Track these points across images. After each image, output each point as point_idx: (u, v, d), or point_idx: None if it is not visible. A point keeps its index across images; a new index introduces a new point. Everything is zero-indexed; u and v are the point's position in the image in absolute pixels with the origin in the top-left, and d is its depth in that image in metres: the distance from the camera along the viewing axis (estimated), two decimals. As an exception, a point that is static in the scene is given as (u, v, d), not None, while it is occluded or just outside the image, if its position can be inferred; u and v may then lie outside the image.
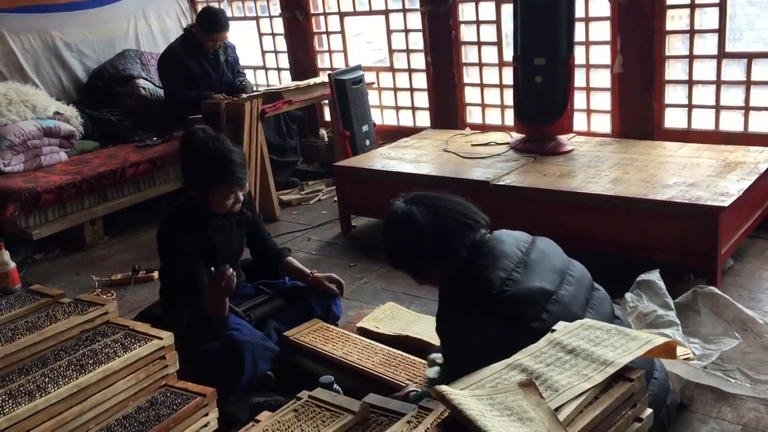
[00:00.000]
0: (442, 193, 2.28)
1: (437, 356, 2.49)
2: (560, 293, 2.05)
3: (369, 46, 6.07)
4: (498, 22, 4.89)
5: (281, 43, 6.26)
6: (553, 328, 1.66)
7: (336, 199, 5.05)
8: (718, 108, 4.24)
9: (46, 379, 2.15)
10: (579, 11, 4.29)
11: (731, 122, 4.26)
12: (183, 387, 2.37)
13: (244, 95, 5.23)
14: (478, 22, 5.00)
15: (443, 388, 1.35)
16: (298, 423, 1.87)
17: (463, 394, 1.33)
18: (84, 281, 4.23)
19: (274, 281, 3.21)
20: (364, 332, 3.06)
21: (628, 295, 3.00)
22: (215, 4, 6.42)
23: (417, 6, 5.22)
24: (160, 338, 2.38)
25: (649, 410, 1.52)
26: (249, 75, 6.27)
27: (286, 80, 6.22)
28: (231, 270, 2.65)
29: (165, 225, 2.95)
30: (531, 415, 1.28)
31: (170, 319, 2.77)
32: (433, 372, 2.50)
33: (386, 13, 5.46)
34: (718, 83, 4.20)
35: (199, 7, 6.49)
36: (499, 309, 1.98)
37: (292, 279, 3.24)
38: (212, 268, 2.67)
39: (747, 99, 4.15)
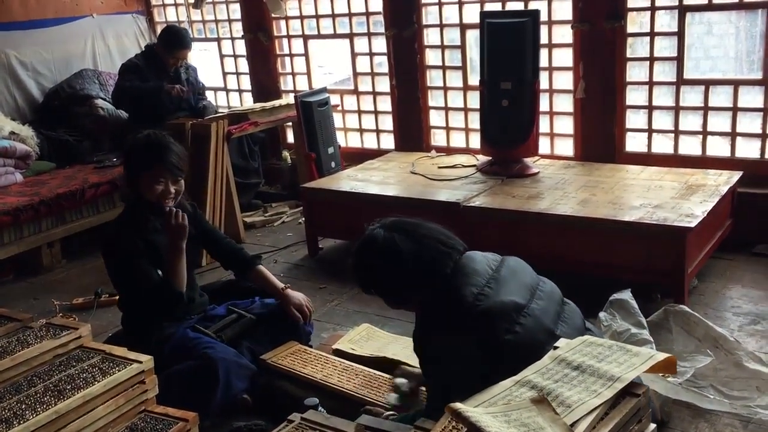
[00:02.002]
0: (417, 219, 2.29)
1: (402, 382, 2.48)
2: (531, 306, 2.08)
3: (320, 69, 6.08)
4: (463, 46, 4.96)
5: (243, 65, 6.22)
6: (556, 345, 1.68)
7: (301, 220, 5.03)
8: (677, 133, 4.38)
9: (23, 406, 2.06)
10: (543, 37, 4.38)
11: (690, 146, 4.41)
12: (163, 412, 2.31)
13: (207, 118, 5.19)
14: (443, 47, 5.08)
15: (458, 405, 1.35)
16: (294, 446, 1.84)
17: (479, 411, 1.32)
18: (43, 306, 4.09)
19: (244, 301, 3.16)
20: (340, 354, 3.03)
21: (602, 315, 3.04)
22: (177, 25, 6.36)
23: (382, 30, 5.26)
24: (140, 362, 2.31)
25: (653, 425, 1.54)
26: (210, 96, 6.22)
27: (248, 102, 6.18)
28: (174, 209, 2.81)
29: (105, 243, 2.98)
30: (548, 431, 1.28)
31: (136, 342, 2.72)
32: (393, 398, 2.48)
33: (351, 36, 5.49)
34: (677, 109, 4.34)
35: (158, 28, 6.44)
36: (472, 324, 2.01)
37: (263, 288, 3.19)
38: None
39: (704, 124, 4.29)
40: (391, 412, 2.42)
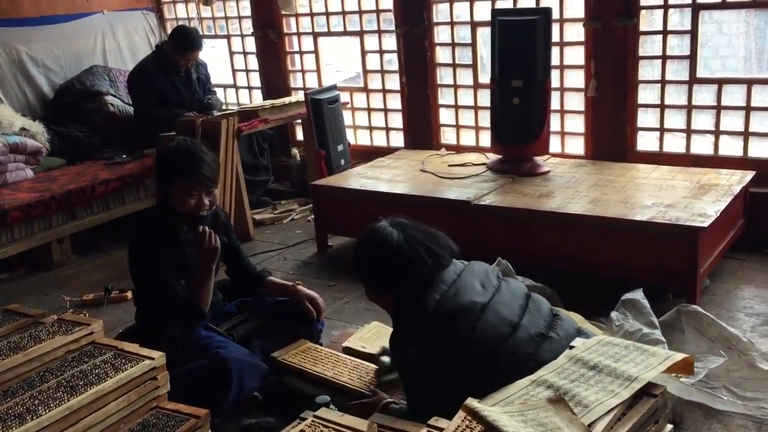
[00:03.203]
0: (421, 224, 2.42)
1: (386, 359, 2.75)
2: (492, 302, 2.20)
3: (330, 67, 6.08)
4: (474, 44, 4.95)
5: (253, 62, 6.22)
6: (571, 344, 1.67)
7: (310, 218, 5.02)
8: (689, 132, 4.36)
9: (36, 402, 2.06)
10: (554, 35, 4.36)
11: (702, 146, 4.38)
12: (175, 408, 2.30)
13: (215, 113, 5.19)
14: (453, 44, 5.06)
15: (475, 404, 1.34)
16: (306, 443, 1.84)
17: (496, 411, 1.32)
18: (53, 301, 4.10)
19: (255, 299, 3.15)
20: (350, 352, 3.02)
21: (613, 314, 3.02)
22: (186, 22, 6.37)
23: (392, 27, 5.25)
24: (152, 358, 2.31)
25: (670, 426, 1.53)
26: (219, 93, 6.22)
27: (257, 99, 6.18)
28: (207, 230, 2.75)
29: (134, 244, 2.87)
30: (565, 431, 1.27)
31: (149, 341, 2.71)
32: (383, 362, 2.75)
33: (361, 34, 5.48)
34: (689, 108, 4.31)
35: (168, 24, 6.45)
36: (434, 328, 2.15)
37: (275, 295, 3.17)
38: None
39: (717, 123, 4.27)
40: (390, 399, 2.49)
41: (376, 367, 2.81)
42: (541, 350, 2.05)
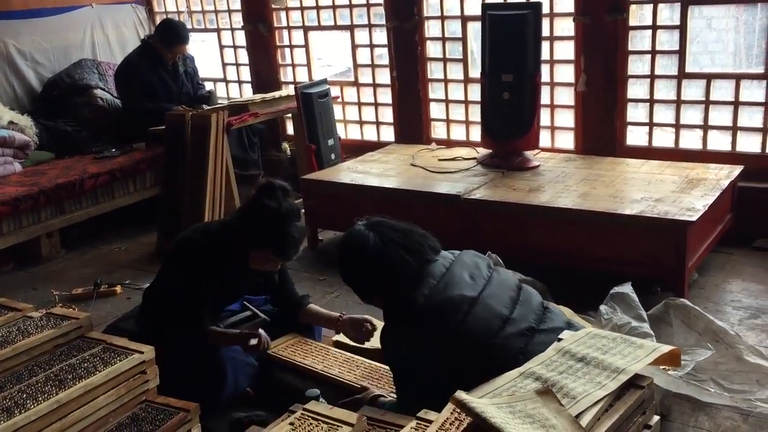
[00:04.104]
0: (399, 222, 2.39)
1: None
2: (482, 295, 2.19)
3: (320, 61, 6.07)
4: (464, 39, 4.95)
5: (243, 56, 6.20)
6: (560, 337, 1.67)
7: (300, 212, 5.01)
8: (678, 127, 4.38)
9: (24, 396, 2.05)
10: (544, 30, 4.37)
11: (690, 141, 4.40)
12: (164, 402, 2.30)
13: (206, 107, 5.18)
14: (444, 39, 5.06)
15: (463, 396, 1.35)
16: (296, 436, 1.84)
17: (484, 402, 1.32)
18: (42, 296, 4.08)
19: (258, 298, 3.13)
20: (340, 346, 3.02)
21: (602, 308, 3.04)
22: (175, 16, 6.34)
23: (383, 22, 5.24)
24: (141, 352, 2.30)
25: (657, 417, 1.54)
26: (209, 87, 6.20)
27: (248, 93, 6.16)
28: (267, 339, 2.68)
29: (188, 246, 2.74)
30: (553, 423, 1.28)
31: (148, 335, 2.70)
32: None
33: (351, 28, 5.47)
34: (678, 103, 4.33)
35: (158, 18, 6.41)
36: (423, 322, 2.15)
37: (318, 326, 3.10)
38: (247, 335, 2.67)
39: (706, 118, 4.29)
40: (378, 392, 2.50)
41: (367, 361, 2.82)
42: (531, 344, 2.04)
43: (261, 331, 2.71)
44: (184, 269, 2.72)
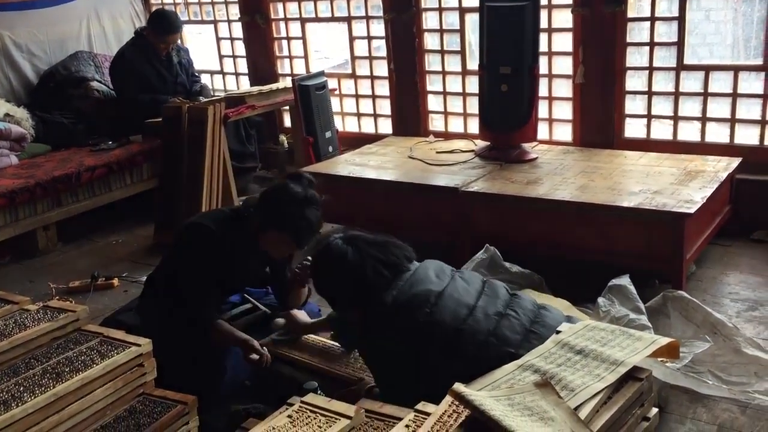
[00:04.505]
0: (377, 235, 2.43)
1: (280, 321, 2.94)
2: (447, 290, 2.25)
3: (318, 53, 6.05)
4: (462, 30, 4.93)
5: (240, 48, 6.18)
6: (558, 329, 1.67)
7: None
8: (676, 119, 4.37)
9: (21, 388, 2.04)
10: (542, 22, 4.35)
11: (689, 133, 4.40)
12: (162, 395, 2.29)
13: (202, 99, 5.16)
14: (441, 31, 5.04)
15: (461, 388, 1.34)
16: (294, 428, 1.83)
17: (482, 395, 1.32)
18: (39, 288, 4.07)
19: (258, 290, 3.13)
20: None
21: (600, 300, 3.04)
22: (172, 7, 6.31)
23: (380, 13, 5.22)
24: (138, 345, 2.29)
25: (655, 409, 1.54)
26: (206, 79, 6.18)
27: (245, 85, 6.14)
28: (268, 356, 2.66)
29: (200, 229, 2.71)
30: (552, 415, 1.27)
31: (149, 325, 2.69)
32: (275, 334, 2.89)
33: (349, 19, 5.45)
34: (677, 95, 4.32)
35: (154, 9, 6.37)
36: (392, 321, 2.21)
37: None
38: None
39: (704, 110, 4.28)
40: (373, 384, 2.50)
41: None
42: (501, 327, 2.09)
43: (266, 350, 2.68)
44: (195, 254, 2.69)
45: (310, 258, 2.68)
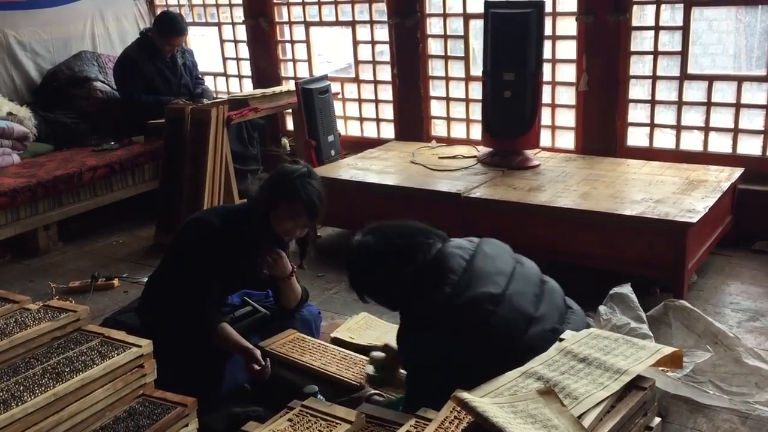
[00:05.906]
0: (393, 222, 2.34)
1: (378, 356, 2.62)
2: (507, 293, 2.09)
3: (321, 57, 6.07)
4: (466, 36, 4.94)
5: (243, 51, 6.18)
6: (561, 337, 1.67)
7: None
8: (679, 128, 4.37)
9: (21, 388, 2.03)
10: (547, 29, 4.36)
11: (691, 142, 4.40)
12: (162, 396, 2.28)
13: (206, 101, 5.16)
14: (445, 36, 5.05)
15: (464, 395, 1.34)
16: (294, 433, 1.83)
17: (486, 402, 1.31)
18: (39, 288, 4.07)
19: (259, 293, 3.12)
20: (338, 342, 3.01)
21: (601, 308, 3.04)
22: (176, 9, 6.32)
23: (384, 18, 5.23)
24: (139, 346, 2.28)
25: (658, 419, 1.54)
26: (209, 81, 6.19)
27: (248, 88, 6.15)
28: (269, 368, 2.61)
29: (200, 225, 2.72)
30: (555, 423, 1.27)
31: (149, 325, 2.68)
32: (370, 370, 2.62)
33: (353, 24, 5.46)
34: (680, 104, 4.32)
35: (158, 10, 6.38)
36: (447, 324, 2.05)
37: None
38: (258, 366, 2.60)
39: (707, 120, 4.28)
40: (374, 391, 2.46)
41: (365, 358, 2.81)
42: (550, 344, 1.91)
43: (268, 361, 2.66)
44: (196, 249, 2.69)
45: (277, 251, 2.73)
